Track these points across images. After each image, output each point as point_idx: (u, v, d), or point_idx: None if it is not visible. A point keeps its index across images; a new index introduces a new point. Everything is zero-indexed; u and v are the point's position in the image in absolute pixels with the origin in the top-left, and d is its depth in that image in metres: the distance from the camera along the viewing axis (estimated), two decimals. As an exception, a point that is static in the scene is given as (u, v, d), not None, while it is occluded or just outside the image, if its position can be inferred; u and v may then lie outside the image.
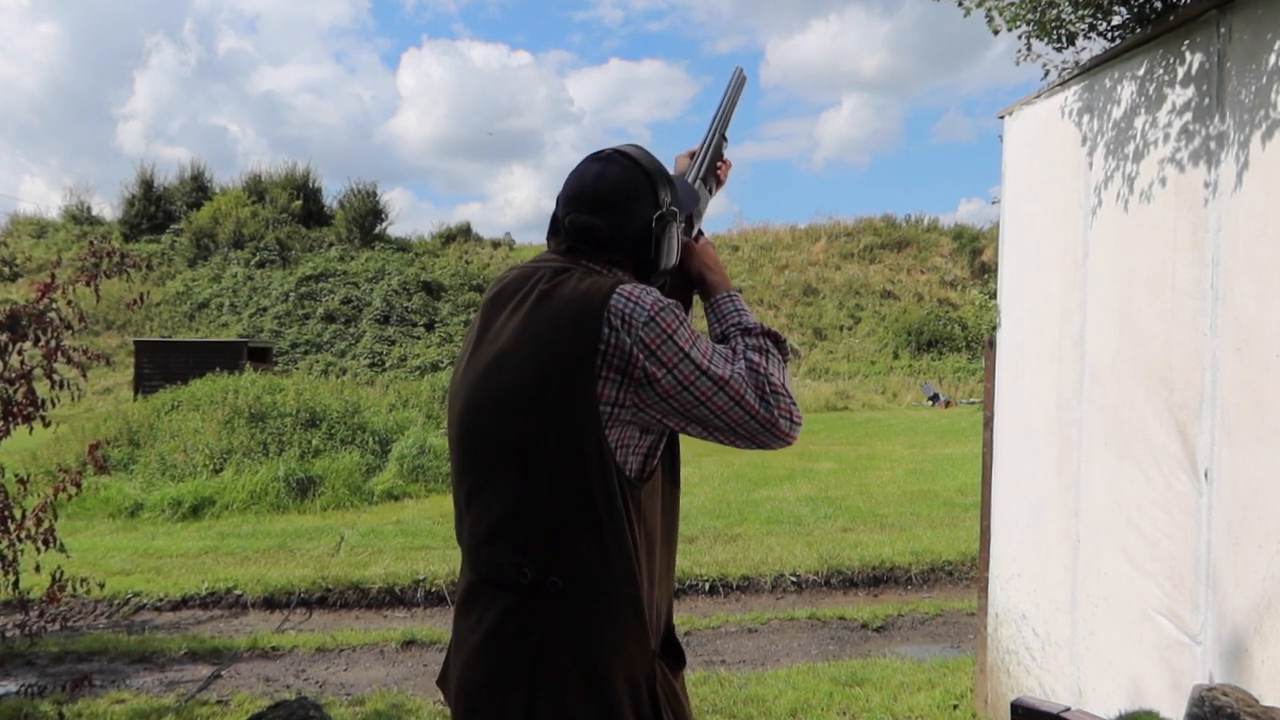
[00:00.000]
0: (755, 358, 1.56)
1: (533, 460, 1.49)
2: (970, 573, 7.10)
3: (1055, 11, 3.57)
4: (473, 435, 1.57)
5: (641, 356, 1.45)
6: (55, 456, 10.89)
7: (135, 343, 22.23)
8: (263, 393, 12.82)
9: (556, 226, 1.68)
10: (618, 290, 1.49)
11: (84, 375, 4.34)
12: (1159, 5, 3.33)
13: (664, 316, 1.48)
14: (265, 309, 29.47)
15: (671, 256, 1.64)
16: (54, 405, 4.19)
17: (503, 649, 1.50)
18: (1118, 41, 3.51)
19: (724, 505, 9.76)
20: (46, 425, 4.30)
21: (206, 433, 11.99)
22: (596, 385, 1.45)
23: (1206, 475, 2.79)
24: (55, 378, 4.22)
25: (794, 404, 1.55)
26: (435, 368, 25.83)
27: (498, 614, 1.51)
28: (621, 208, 1.59)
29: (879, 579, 7.34)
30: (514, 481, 1.51)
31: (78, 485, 4.33)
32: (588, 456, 1.45)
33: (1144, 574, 3.06)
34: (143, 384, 19.98)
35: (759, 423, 1.51)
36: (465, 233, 36.36)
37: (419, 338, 28.90)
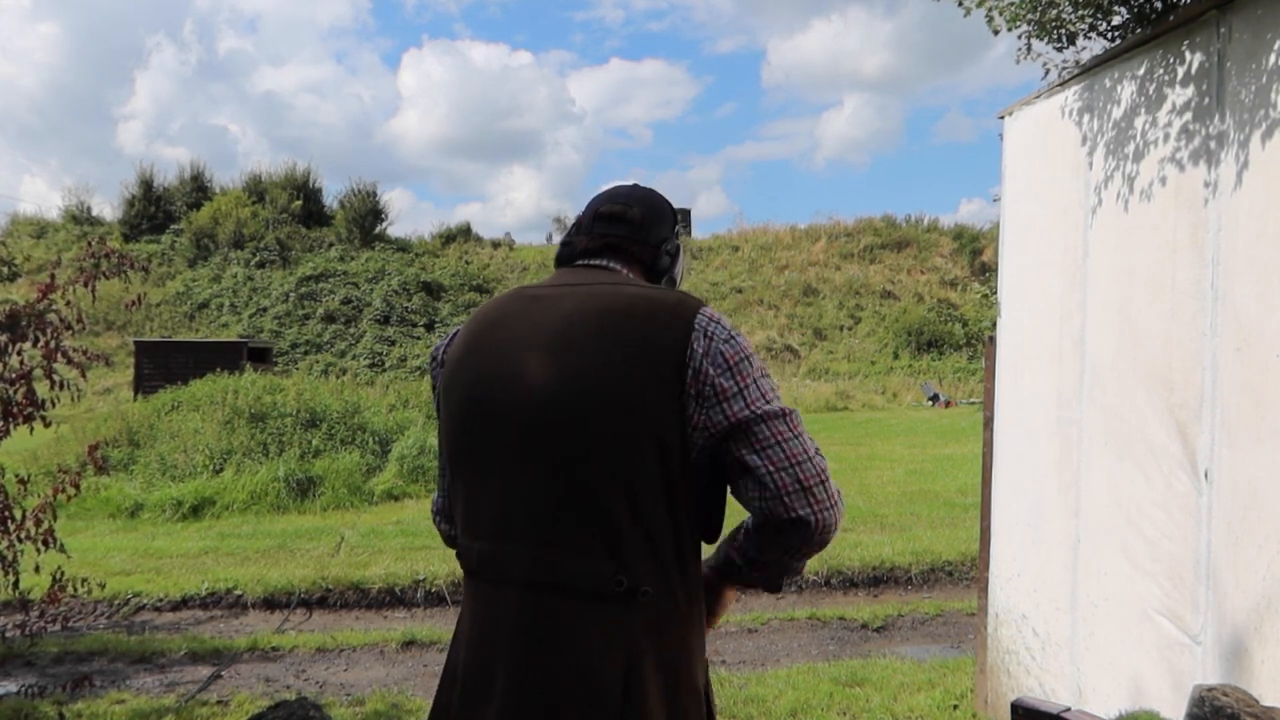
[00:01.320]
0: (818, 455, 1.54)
1: (617, 460, 1.43)
2: (970, 573, 7.10)
3: (1055, 11, 3.57)
4: (542, 427, 1.47)
5: (714, 372, 1.45)
6: (55, 457, 10.88)
7: (135, 343, 22.23)
8: (263, 393, 12.82)
9: (580, 226, 1.73)
10: (702, 309, 1.51)
11: (84, 375, 4.34)
12: (1159, 5, 3.33)
13: (740, 341, 1.50)
14: (265, 309, 29.47)
15: (681, 273, 1.80)
16: (54, 405, 4.18)
17: (595, 661, 1.42)
18: (1118, 41, 3.51)
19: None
20: (46, 425, 4.30)
21: (206, 433, 11.99)
22: (680, 390, 1.44)
23: (1206, 475, 2.78)
24: (55, 378, 4.22)
25: (840, 495, 1.51)
26: (435, 368, 25.78)
27: (587, 625, 1.43)
28: (651, 209, 1.73)
29: (879, 579, 7.34)
30: (595, 483, 1.44)
31: (77, 486, 4.33)
32: (672, 459, 1.44)
33: (1144, 574, 3.06)
34: (143, 384, 19.98)
35: (814, 471, 1.45)
36: (465, 233, 36.36)
37: (419, 338, 28.90)
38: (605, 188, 1.84)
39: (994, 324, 4.22)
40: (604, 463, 1.44)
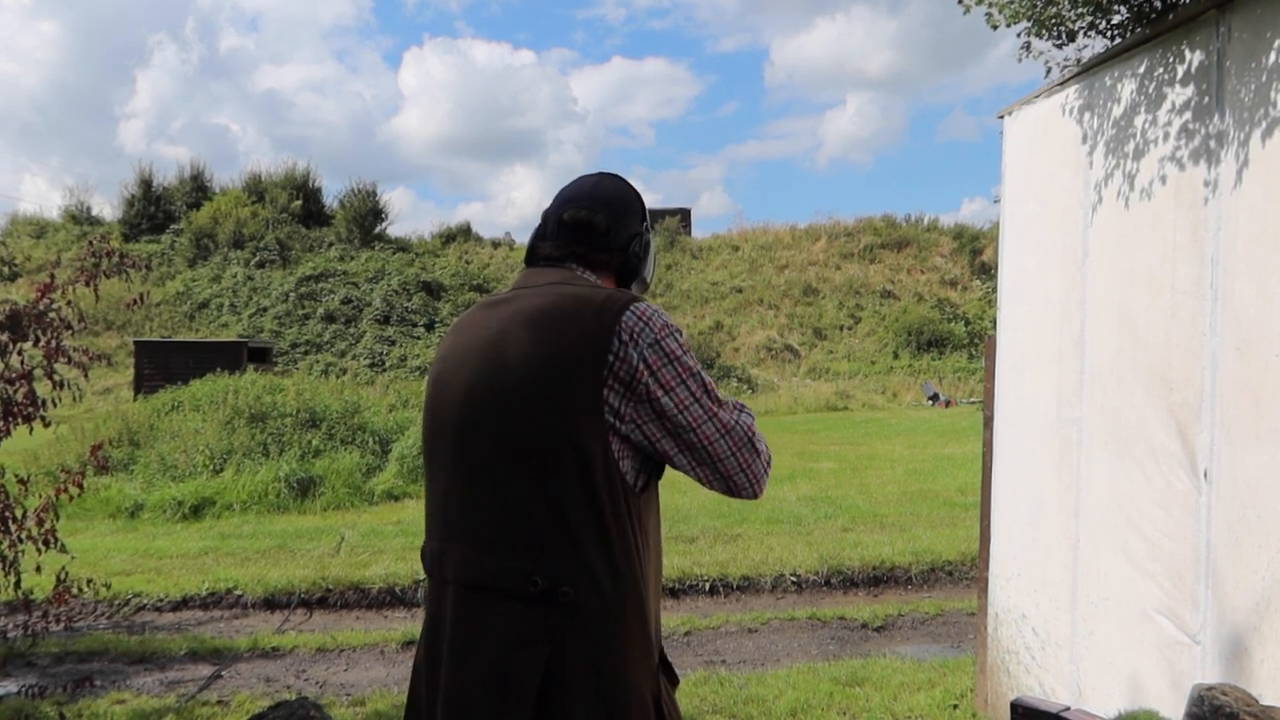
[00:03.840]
0: (746, 414, 1.62)
1: (538, 460, 1.46)
2: (970, 573, 7.10)
3: (1054, 9, 3.57)
4: (478, 431, 1.52)
5: (645, 373, 1.47)
6: (56, 457, 10.89)
7: (135, 343, 22.23)
8: (263, 393, 12.82)
9: (545, 232, 1.72)
10: (631, 307, 1.51)
11: (84, 375, 4.34)
12: (1158, 4, 3.33)
13: (670, 341, 1.51)
14: (265, 309, 29.47)
15: (652, 269, 1.78)
16: (54, 405, 4.18)
17: (510, 660, 1.44)
18: (1118, 40, 3.51)
19: (724, 505, 9.75)
20: (47, 425, 4.30)
21: (207, 433, 11.99)
22: (603, 391, 1.45)
23: (1206, 475, 2.79)
24: (55, 378, 4.22)
25: (770, 458, 1.62)
26: (435, 368, 25.81)
27: (504, 623, 1.46)
28: (617, 210, 1.70)
29: (879, 579, 7.34)
30: (521, 486, 1.47)
31: (80, 486, 4.33)
32: (594, 460, 1.45)
33: (1144, 573, 3.06)
34: (143, 384, 19.99)
35: (738, 463, 1.54)
36: (465, 232, 36.37)
37: (419, 338, 28.90)
38: (571, 180, 1.79)
39: (994, 323, 4.22)
40: (524, 464, 1.47)
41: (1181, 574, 2.89)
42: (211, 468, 11.24)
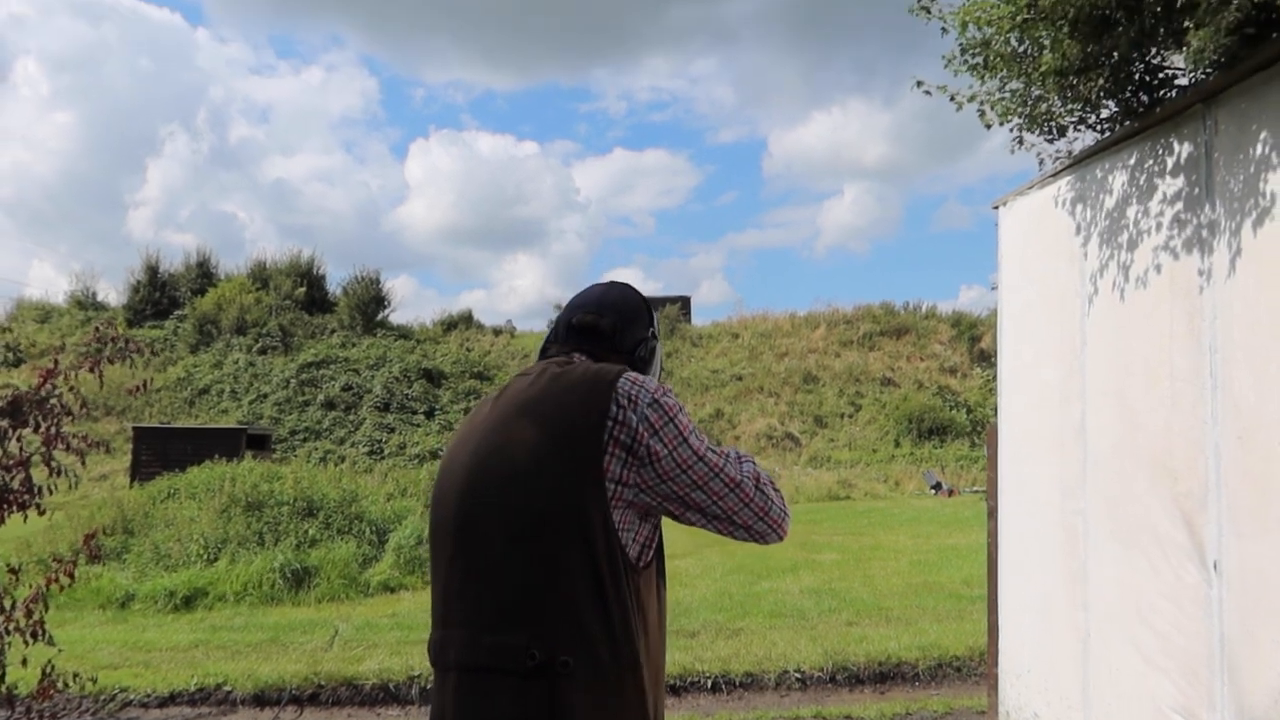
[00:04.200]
0: (748, 461, 1.65)
1: (540, 533, 1.47)
2: (979, 668, 6.93)
3: (1045, 105, 3.66)
4: (477, 511, 1.53)
5: (646, 434, 1.50)
6: (49, 544, 10.75)
7: (134, 429, 22.18)
8: (260, 481, 12.73)
9: (555, 336, 1.77)
10: (625, 374, 1.56)
11: (82, 462, 4.32)
12: (1145, 99, 3.42)
13: (666, 401, 1.55)
14: (266, 395, 29.49)
15: (658, 372, 1.83)
16: (51, 492, 4.15)
17: None
18: (1107, 133, 3.59)
19: (726, 598, 9.58)
20: (41, 514, 4.26)
21: (202, 521, 11.87)
22: (604, 459, 1.48)
23: (1215, 566, 2.74)
24: (53, 464, 4.20)
25: (784, 499, 1.63)
26: (434, 456, 25.72)
27: (504, 701, 1.45)
28: (624, 316, 1.76)
29: (885, 675, 7.16)
30: (519, 559, 1.47)
31: (71, 576, 4.26)
32: (594, 531, 1.45)
33: (1157, 669, 2.98)
34: (140, 471, 19.87)
35: (754, 510, 1.57)
36: (467, 320, 36.64)
37: (419, 425, 28.85)
38: (581, 290, 1.85)
39: (995, 411, 4.21)
40: (524, 539, 1.48)
41: (1196, 670, 2.82)
42: (205, 557, 11.08)
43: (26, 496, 4.08)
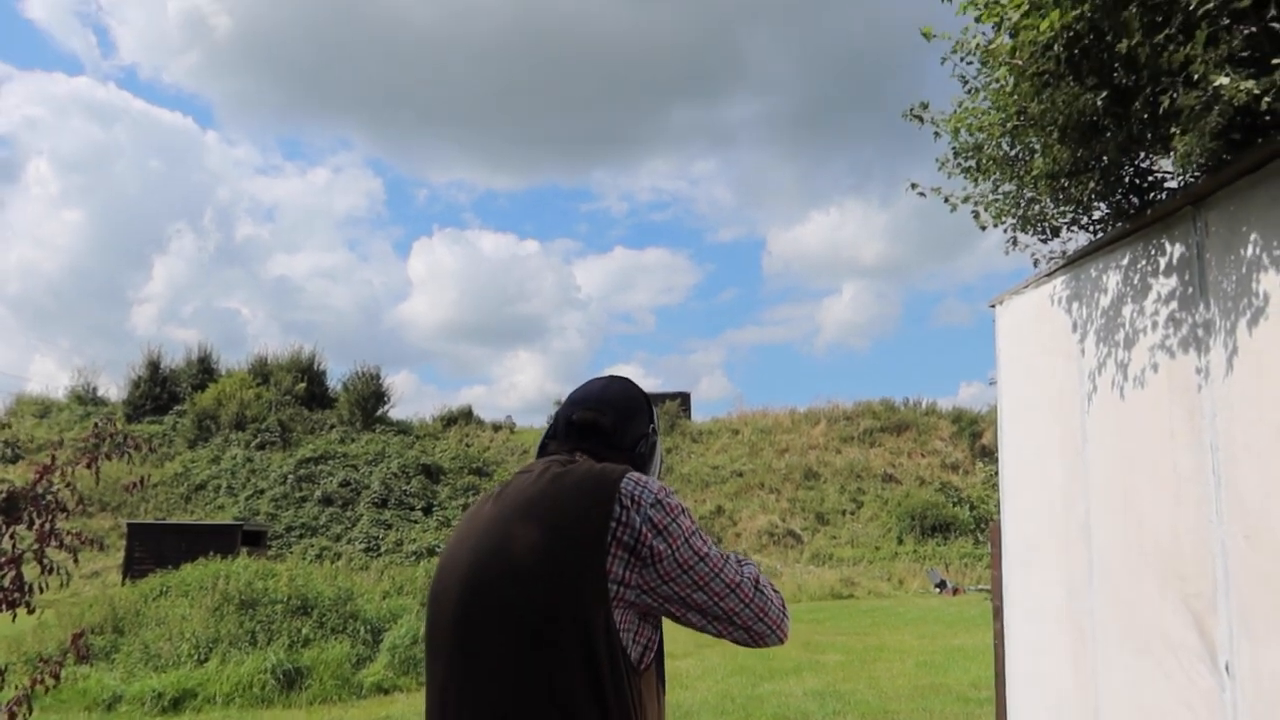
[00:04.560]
0: (749, 565, 1.64)
1: (540, 634, 1.45)
2: (989, 775, 6.70)
3: (1038, 207, 3.74)
4: (476, 611, 1.51)
5: (649, 534, 1.49)
6: (38, 644, 10.52)
7: (128, 525, 21.95)
8: (254, 578, 12.54)
9: (555, 432, 1.77)
10: (628, 474, 1.56)
11: (75, 559, 4.26)
12: (1135, 201, 3.50)
13: (669, 501, 1.54)
14: (263, 491, 29.27)
15: (658, 468, 1.82)
16: (42, 590, 4.09)
17: None
18: (1099, 234, 3.66)
19: (728, 701, 9.33)
20: (31, 612, 4.18)
21: (194, 620, 11.64)
22: (606, 560, 1.46)
23: (1228, 669, 2.68)
24: (45, 562, 4.14)
25: (783, 600, 1.63)
26: (431, 553, 25.40)
27: None
28: (624, 413, 1.75)
29: (893, 782, 6.92)
30: (519, 661, 1.45)
31: (57, 677, 4.16)
32: (596, 632, 1.43)
33: (1173, 777, 2.89)
34: (133, 568, 19.59)
35: (753, 611, 1.55)
36: (466, 415, 36.63)
37: (416, 522, 28.55)
38: (581, 384, 1.83)
39: (998, 508, 4.18)
40: (524, 642, 1.45)
41: (1213, 778, 2.73)
42: (196, 657, 10.83)
43: (17, 595, 4.02)
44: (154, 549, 19.64)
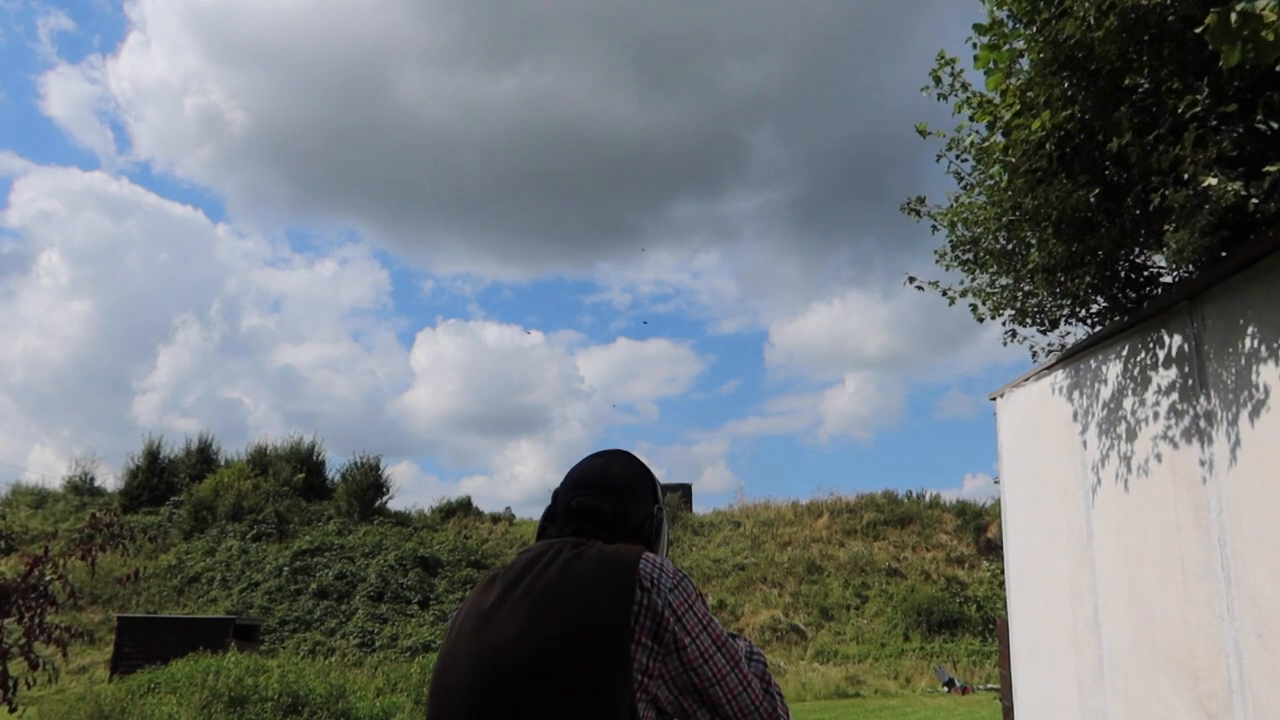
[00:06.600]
0: (757, 661, 1.60)
1: None
2: None
3: (1035, 300, 3.78)
4: (492, 707, 1.42)
5: (671, 620, 1.45)
6: (17, 744, 10.18)
7: (118, 619, 21.51)
8: (245, 675, 12.24)
9: (554, 515, 1.72)
10: (645, 556, 1.51)
11: (63, 654, 4.17)
12: (1132, 295, 3.53)
13: (686, 585, 1.51)
14: (257, 584, 28.79)
15: (665, 546, 1.74)
16: (29, 686, 3.99)
17: None
18: (1098, 326, 3.68)
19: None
20: (13, 710, 4.07)
21: (181, 718, 11.31)
22: (631, 648, 1.41)
23: (1248, 773, 2.60)
24: (33, 656, 4.05)
25: (785, 702, 1.58)
26: (427, 648, 24.84)
27: None
28: (626, 494, 1.68)
29: None
30: None
31: (36, 778, 4.03)
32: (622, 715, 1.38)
33: None
34: (121, 663, 19.11)
35: (762, 714, 1.50)
36: (465, 507, 36.26)
37: (412, 615, 28.00)
38: (581, 460, 1.75)
39: (1004, 604, 4.11)
40: None
41: None
42: (181, 758, 10.50)
43: (0, 691, 3.92)
44: (144, 643, 19.20)
